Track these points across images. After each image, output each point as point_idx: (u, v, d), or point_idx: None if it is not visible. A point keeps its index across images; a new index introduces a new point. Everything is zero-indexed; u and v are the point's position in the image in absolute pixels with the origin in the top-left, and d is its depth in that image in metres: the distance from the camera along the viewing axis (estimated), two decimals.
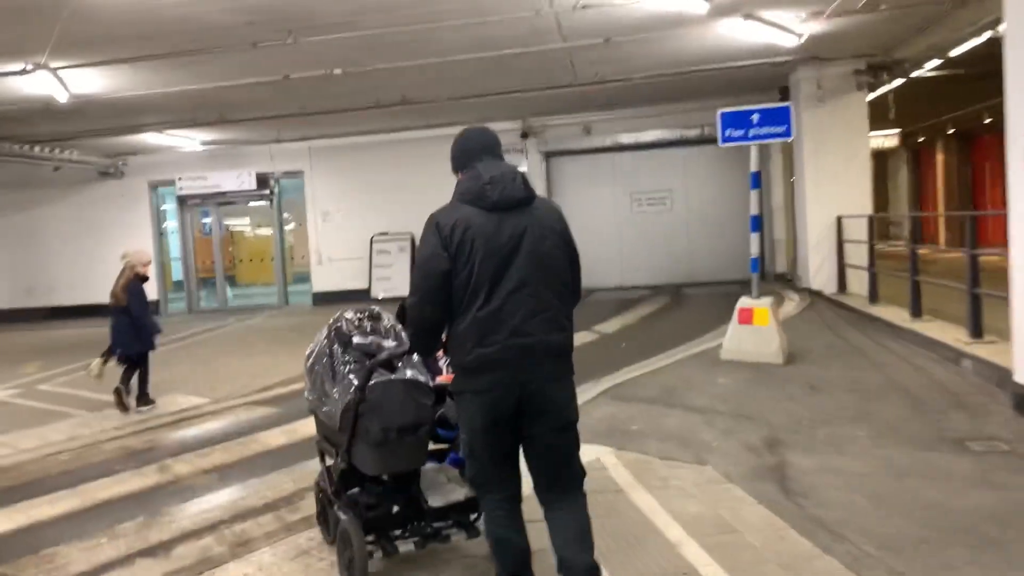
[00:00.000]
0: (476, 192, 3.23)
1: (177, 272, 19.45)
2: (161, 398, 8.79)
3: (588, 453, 5.75)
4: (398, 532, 3.92)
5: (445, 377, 3.99)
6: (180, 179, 17.93)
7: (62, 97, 11.01)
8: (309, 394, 4.10)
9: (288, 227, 18.87)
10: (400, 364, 3.77)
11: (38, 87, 10.74)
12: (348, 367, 3.75)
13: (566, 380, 3.31)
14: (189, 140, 16.94)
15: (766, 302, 8.32)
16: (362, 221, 17.69)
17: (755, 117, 8.19)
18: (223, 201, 18.71)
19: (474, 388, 3.20)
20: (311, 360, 4.05)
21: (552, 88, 13.73)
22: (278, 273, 18.62)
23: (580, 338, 11.07)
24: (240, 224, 19.53)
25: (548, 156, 17.32)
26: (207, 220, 19.88)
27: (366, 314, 4.00)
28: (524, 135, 17.20)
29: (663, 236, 17.29)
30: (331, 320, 4.03)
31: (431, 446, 4.04)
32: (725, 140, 8.33)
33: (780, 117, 8.15)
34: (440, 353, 3.93)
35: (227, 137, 17.23)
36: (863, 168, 13.92)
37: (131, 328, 8.19)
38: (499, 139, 3.55)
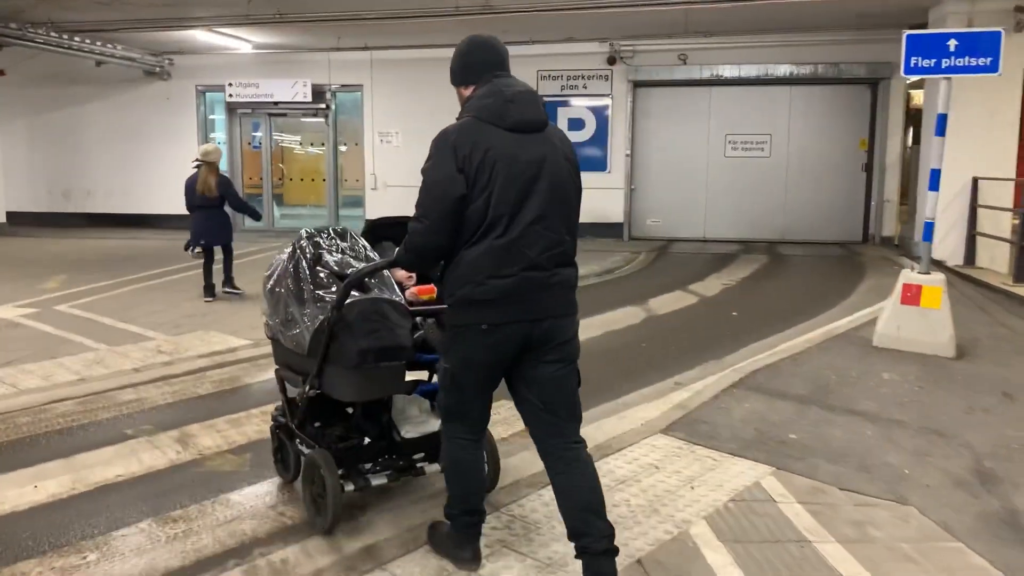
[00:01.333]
0: (498, 110, 2.96)
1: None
2: (191, 335, 7.47)
3: (741, 472, 4.31)
4: (369, 465, 3.71)
5: (421, 289, 3.69)
6: (230, 84, 16.44)
7: None
8: (269, 318, 3.81)
9: (342, 147, 17.36)
10: (373, 283, 3.47)
11: None
12: (317, 287, 3.47)
13: (574, 316, 3.10)
14: (241, 42, 15.39)
15: (939, 279, 6.64)
16: (423, 146, 15.97)
17: (952, 43, 6.43)
18: (275, 112, 17.19)
19: (482, 320, 2.94)
20: (271, 282, 3.75)
21: (651, 5, 11.88)
22: (330, 195, 17.16)
23: (678, 300, 9.57)
24: (291, 139, 18.03)
25: (636, 86, 15.47)
26: (257, 134, 18.45)
27: (333, 232, 3.71)
28: (611, 60, 15.35)
29: (757, 186, 15.47)
30: (296, 238, 3.68)
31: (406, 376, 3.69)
32: (910, 70, 6.59)
33: (986, 45, 6.37)
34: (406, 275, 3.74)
35: (282, 41, 15.65)
36: (1010, 125, 11.93)
37: (218, 219, 9.04)
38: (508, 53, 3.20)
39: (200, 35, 14.43)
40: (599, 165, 15.69)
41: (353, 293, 3.37)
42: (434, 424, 3.79)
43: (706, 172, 15.65)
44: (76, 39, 14.22)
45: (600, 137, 15.65)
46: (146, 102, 17.12)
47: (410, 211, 13.59)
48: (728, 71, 15.00)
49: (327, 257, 3.52)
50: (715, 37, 14.65)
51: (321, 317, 3.38)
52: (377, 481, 3.66)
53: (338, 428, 3.77)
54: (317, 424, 3.81)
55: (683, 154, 15.63)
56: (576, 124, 15.68)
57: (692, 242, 15.32)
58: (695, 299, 9.60)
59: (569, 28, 14.37)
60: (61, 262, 12.24)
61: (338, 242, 3.65)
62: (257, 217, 9.60)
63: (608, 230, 15.67)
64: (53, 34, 13.55)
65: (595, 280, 10.90)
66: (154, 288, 10.05)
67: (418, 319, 3.78)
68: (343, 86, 16.62)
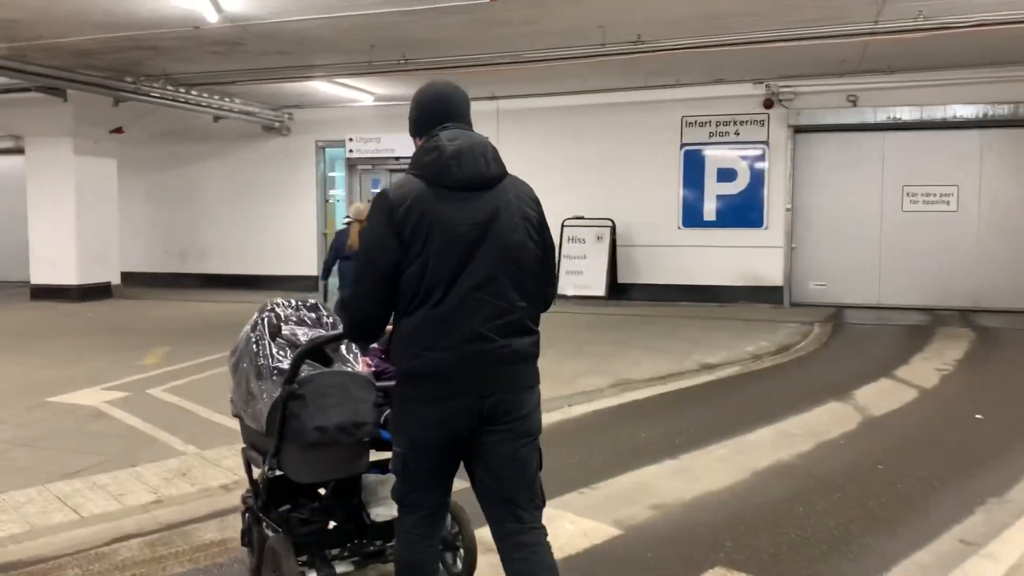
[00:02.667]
0: (437, 166, 2.65)
1: None
2: None
3: None
4: (335, 551, 3.44)
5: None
6: (351, 139, 15.53)
7: (212, 16, 8.62)
8: (234, 395, 3.56)
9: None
10: (337, 356, 3.37)
11: (184, 1, 8.31)
12: (276, 361, 3.28)
13: (532, 389, 2.80)
14: (362, 93, 14.45)
15: None
16: (552, 201, 14.51)
17: None
18: (396, 168, 16.17)
19: (422, 396, 2.67)
20: (235, 356, 3.51)
21: (830, 37, 10.13)
22: None
23: (891, 393, 7.52)
24: None
25: (796, 131, 13.64)
26: (377, 191, 17.50)
27: (302, 304, 3.58)
28: (767, 103, 13.61)
29: (942, 244, 13.25)
30: (259, 309, 3.50)
31: (374, 455, 3.43)
32: None
33: None
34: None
35: (404, 92, 14.56)
36: None
37: None
38: (467, 99, 2.89)
39: (320, 87, 13.56)
40: (753, 221, 13.86)
41: (312, 366, 3.27)
42: None
43: (880, 228, 13.56)
44: (193, 93, 13.57)
45: (754, 189, 13.84)
46: (264, 158, 16.43)
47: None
48: (906, 113, 13.00)
49: (287, 329, 3.41)
50: (891, 75, 12.74)
51: (276, 393, 3.17)
52: (342, 568, 3.43)
53: (305, 511, 3.49)
54: (285, 507, 3.50)
55: (853, 208, 13.62)
56: (726, 175, 13.95)
57: (865, 309, 13.21)
58: (913, 392, 7.61)
59: (720, 67, 12.77)
60: (166, 331, 11.28)
61: (304, 313, 3.55)
62: None
63: (764, 295, 13.76)
64: (169, 88, 12.90)
65: (771, 361, 9.05)
66: None
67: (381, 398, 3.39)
68: None
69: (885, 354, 9.40)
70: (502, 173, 2.76)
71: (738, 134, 13.85)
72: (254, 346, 3.38)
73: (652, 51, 10.73)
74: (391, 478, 3.31)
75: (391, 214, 2.62)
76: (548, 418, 6.68)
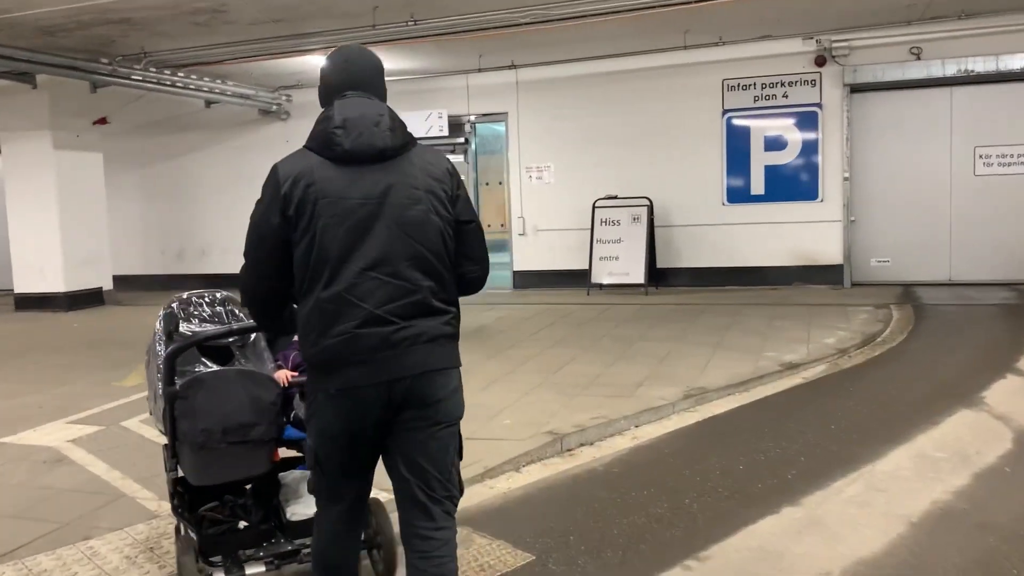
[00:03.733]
0: (325, 138, 2.49)
1: None
2: None
3: None
4: (251, 551, 3.29)
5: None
6: None
7: None
8: (148, 395, 3.62)
9: (484, 185, 14.80)
10: (246, 353, 3.41)
11: None
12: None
13: (447, 373, 2.57)
14: None
15: None
16: (581, 180, 13.29)
17: None
18: None
19: (325, 388, 2.49)
20: (148, 356, 3.53)
21: None
22: None
23: (1016, 390, 6.14)
24: None
25: (852, 91, 12.17)
26: None
27: (210, 298, 3.54)
28: (819, 60, 12.14)
29: (1020, 212, 11.80)
30: (165, 304, 3.53)
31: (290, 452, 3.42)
32: None
33: None
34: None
35: (413, 66, 13.25)
36: None
37: None
38: (375, 66, 2.66)
39: (320, 62, 12.15)
40: (807, 193, 12.43)
41: (205, 365, 3.27)
42: None
43: (949, 197, 12.09)
44: (180, 75, 12.24)
45: (807, 158, 12.40)
46: (263, 146, 15.03)
47: (568, 261, 12.82)
48: (979, 64, 11.51)
49: (185, 327, 3.34)
50: (963, 22, 11.25)
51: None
52: (253, 570, 3.20)
53: (219, 511, 3.37)
54: (210, 505, 3.39)
55: (917, 175, 12.16)
56: (775, 143, 12.51)
57: (936, 287, 11.78)
58: None
59: (766, 22, 11.33)
60: None
61: (208, 309, 3.44)
62: None
63: (821, 274, 12.35)
64: (152, 70, 11.56)
65: (860, 356, 7.67)
66: None
67: (294, 391, 3.29)
68: (484, 115, 14.05)
69: (990, 340, 8.04)
70: (401, 144, 2.54)
71: (787, 97, 12.40)
72: (157, 345, 3.35)
73: (694, 1, 9.31)
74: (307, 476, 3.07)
75: (277, 188, 2.48)
76: (614, 445, 5.43)
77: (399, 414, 2.52)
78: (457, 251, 2.63)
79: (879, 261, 12.51)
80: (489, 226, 15.05)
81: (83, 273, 13.40)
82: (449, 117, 13.72)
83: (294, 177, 2.46)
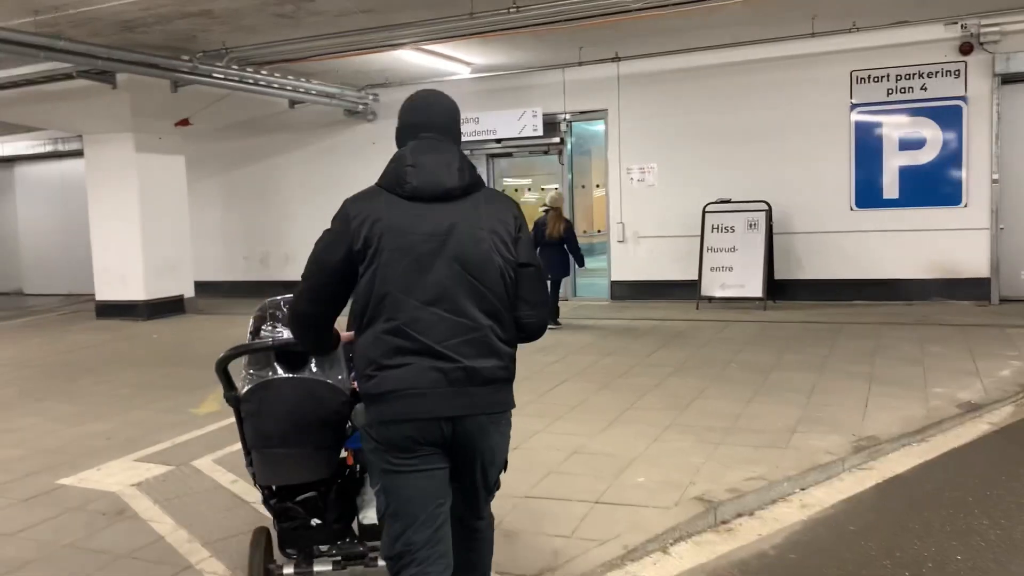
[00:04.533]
0: (396, 176, 2.55)
1: None
2: None
3: None
4: (325, 548, 3.40)
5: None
6: None
7: None
8: None
9: (580, 188, 13.81)
10: (321, 361, 3.25)
11: None
12: (248, 364, 3.32)
13: (500, 417, 2.62)
14: (458, 64, 12.24)
15: None
16: (689, 182, 12.17)
17: None
18: (497, 152, 13.96)
19: (385, 417, 2.50)
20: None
21: None
22: None
23: None
24: (516, 183, 14.75)
25: (1003, 81, 10.75)
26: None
27: (282, 303, 3.40)
28: (965, 48, 10.76)
29: None
30: (258, 306, 3.52)
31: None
32: None
33: None
34: None
35: (506, 61, 12.37)
36: None
37: (560, 256, 10.49)
38: (452, 111, 2.73)
39: (409, 58, 11.39)
40: (949, 197, 11.04)
41: (275, 371, 3.25)
42: None
43: None
44: (263, 73, 11.61)
45: (949, 158, 11.01)
46: (350, 148, 14.41)
47: (674, 271, 12.35)
48: None
49: (267, 330, 3.35)
50: None
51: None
52: (320, 567, 3.36)
53: (298, 507, 3.37)
54: (305, 496, 3.38)
55: None
56: (911, 141, 11.16)
57: None
58: None
59: (903, 5, 10.05)
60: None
61: (279, 312, 3.38)
62: (582, 264, 11.13)
63: (964, 289, 10.96)
64: (234, 67, 10.94)
65: None
66: None
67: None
68: (581, 113, 13.06)
69: None
70: (469, 184, 2.58)
71: (925, 89, 11.03)
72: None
73: None
74: None
75: (347, 223, 2.52)
76: (780, 516, 4.36)
77: (450, 453, 2.56)
78: (515, 294, 2.61)
79: None
80: (585, 232, 14.13)
81: (164, 280, 12.96)
82: (544, 116, 12.79)
83: (363, 215, 2.50)
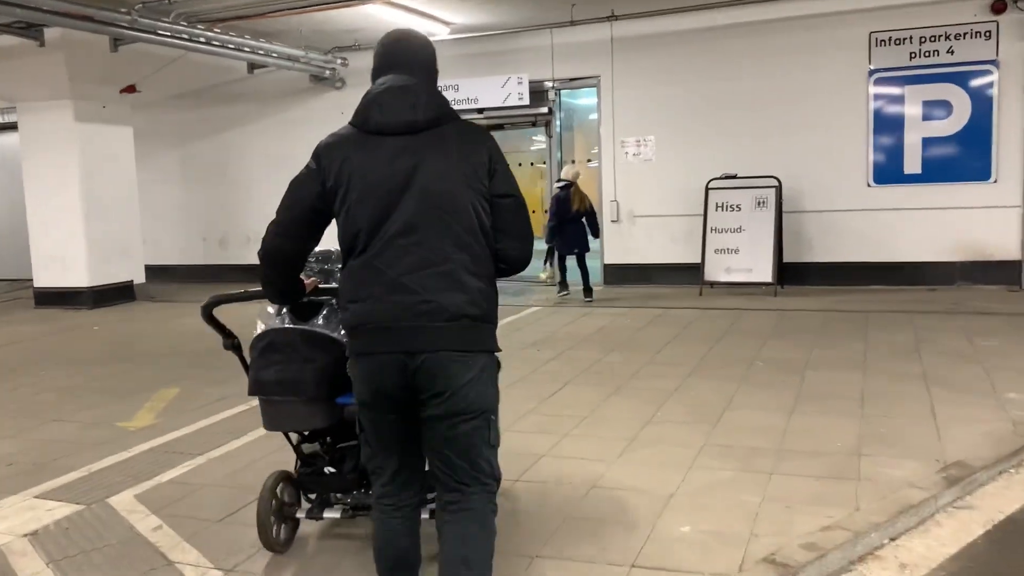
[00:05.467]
0: (361, 112, 2.59)
1: None
2: None
3: None
4: (340, 496, 3.53)
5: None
6: None
7: None
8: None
9: (569, 163, 12.66)
10: (323, 313, 3.32)
11: None
12: (261, 314, 3.48)
13: (472, 356, 2.51)
14: (435, 24, 11.03)
15: None
16: (689, 156, 11.10)
17: None
18: (480, 122, 12.74)
19: (354, 350, 2.57)
20: None
21: None
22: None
23: None
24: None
25: None
26: None
27: (322, 254, 3.42)
28: (996, 7, 9.75)
29: None
30: None
31: None
32: None
33: None
34: None
35: (489, 20, 11.19)
36: None
37: (582, 232, 10.39)
38: (417, 45, 2.72)
39: (381, 14, 10.15)
40: (977, 172, 10.05)
41: (285, 317, 3.36)
42: None
43: None
44: (216, 31, 10.33)
45: (978, 129, 10.01)
46: (317, 119, 13.09)
47: (675, 253, 11.19)
48: None
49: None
50: None
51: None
52: (331, 514, 3.50)
53: (318, 454, 3.51)
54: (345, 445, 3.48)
55: None
56: (936, 110, 10.15)
57: None
58: None
59: None
60: (190, 352, 8.15)
61: (317, 266, 3.42)
62: (598, 235, 10.87)
63: (991, 273, 10.02)
64: (182, 24, 9.64)
65: None
66: None
67: None
68: (571, 80, 11.91)
69: None
70: (436, 117, 2.56)
71: (952, 52, 10.00)
72: None
73: None
74: None
75: (319, 160, 2.58)
76: None
77: (418, 395, 2.49)
78: (494, 226, 2.58)
79: None
80: (576, 211, 13.00)
81: (111, 265, 11.71)
82: (530, 83, 11.63)
83: (333, 154, 2.55)
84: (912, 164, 10.29)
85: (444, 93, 9.79)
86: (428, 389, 2.47)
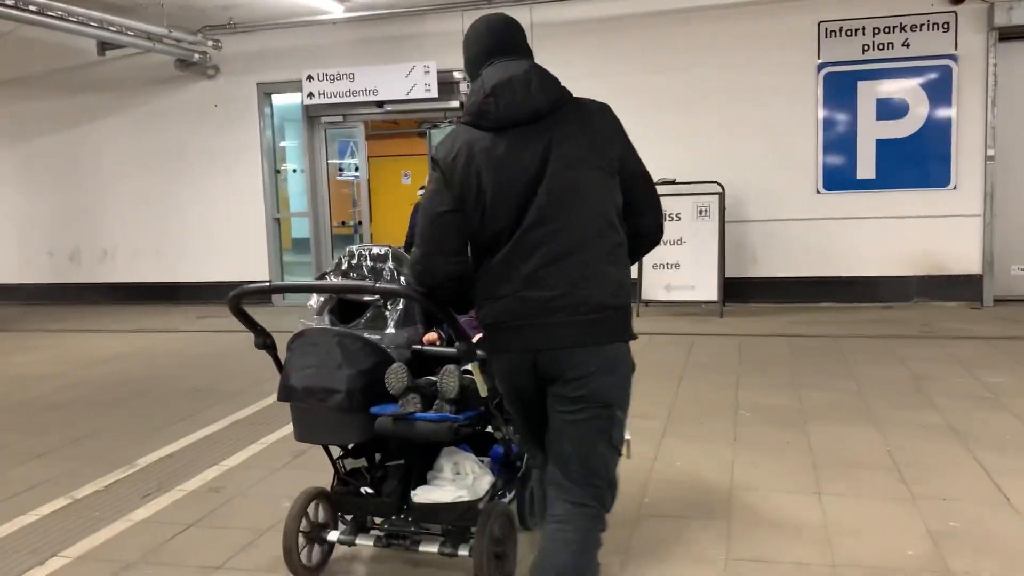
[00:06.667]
0: (477, 108, 2.42)
1: (300, 229, 12.16)
2: None
3: None
4: (379, 521, 3.16)
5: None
6: (310, 78, 10.44)
7: None
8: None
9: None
10: (380, 311, 3.18)
11: None
12: (304, 313, 3.38)
13: (600, 347, 2.37)
14: (328, 0, 9.39)
15: None
16: None
17: None
18: (382, 119, 11.20)
19: (491, 348, 2.52)
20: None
21: None
22: None
23: None
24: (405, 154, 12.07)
25: (1001, 37, 8.92)
26: (353, 161, 12.57)
27: (379, 252, 3.30)
28: None
29: None
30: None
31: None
32: None
33: None
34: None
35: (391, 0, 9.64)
36: None
37: None
38: (516, 28, 2.61)
39: None
40: (935, 178, 9.17)
41: (324, 320, 3.21)
42: (458, 493, 2.96)
43: None
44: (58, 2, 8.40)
45: (936, 130, 9.11)
46: (187, 112, 11.24)
47: None
48: None
49: (331, 277, 3.33)
50: None
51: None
52: (362, 541, 3.14)
53: (359, 471, 3.18)
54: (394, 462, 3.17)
55: None
56: (891, 109, 9.20)
57: None
58: None
59: None
60: (21, 409, 6.26)
61: (370, 263, 3.28)
62: None
63: (950, 288, 9.15)
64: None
65: None
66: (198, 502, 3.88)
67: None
68: None
69: None
70: (555, 100, 2.43)
71: (907, 45, 9.07)
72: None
73: None
74: (468, 457, 3.12)
75: (442, 172, 2.44)
76: None
77: (549, 386, 2.43)
78: (627, 206, 2.48)
79: (1022, 269, 9.34)
80: None
81: None
82: (439, 73, 10.14)
83: (454, 156, 2.41)
84: (865, 168, 9.30)
85: (336, 82, 8.47)
86: (557, 377, 2.40)
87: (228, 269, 11.19)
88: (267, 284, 2.96)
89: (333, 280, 3.29)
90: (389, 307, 3.19)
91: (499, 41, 2.51)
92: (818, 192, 9.46)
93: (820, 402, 5.52)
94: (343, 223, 12.90)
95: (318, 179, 11.32)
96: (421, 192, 9.65)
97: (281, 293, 2.79)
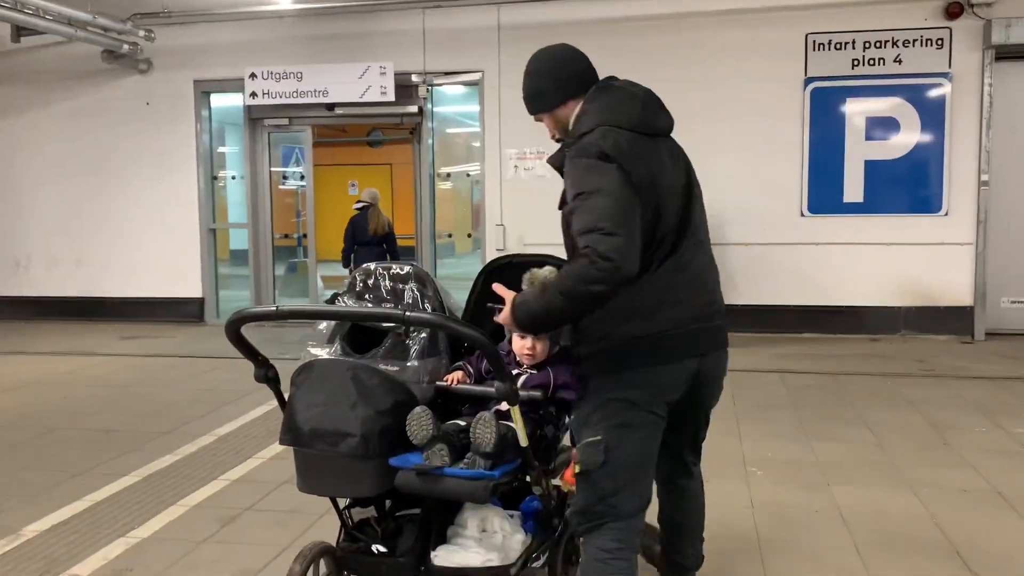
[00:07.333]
0: (629, 112, 2.44)
1: (239, 241, 11.17)
2: None
3: None
4: None
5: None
6: (253, 76, 9.50)
7: None
8: None
9: (444, 182, 10.38)
10: (400, 339, 2.72)
11: None
12: (309, 339, 2.95)
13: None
14: None
15: None
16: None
17: None
18: (330, 122, 10.31)
19: (654, 362, 2.37)
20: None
21: None
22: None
23: None
24: (358, 165, 11.17)
25: (998, 56, 8.43)
26: (297, 169, 11.68)
27: (400, 271, 2.89)
28: (951, 11, 8.37)
29: None
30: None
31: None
32: None
33: None
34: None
35: None
36: None
37: (383, 256, 9.61)
38: None
39: None
40: (926, 203, 8.64)
41: (323, 351, 2.73)
42: (488, 556, 2.56)
43: None
44: None
45: (927, 153, 8.58)
46: (115, 109, 10.19)
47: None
48: None
49: (344, 299, 2.90)
50: None
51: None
52: None
53: (369, 524, 2.74)
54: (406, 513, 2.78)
55: None
56: (881, 128, 8.65)
57: None
58: None
59: None
60: None
61: (389, 283, 2.87)
62: (397, 259, 9.23)
63: (939, 320, 8.61)
64: None
65: None
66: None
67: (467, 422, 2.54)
68: (447, 74, 9.63)
69: None
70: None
71: (900, 61, 8.53)
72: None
73: None
74: (498, 512, 2.71)
75: (620, 165, 2.29)
76: None
77: (698, 388, 2.51)
78: None
79: (1013, 302, 8.85)
80: (451, 236, 10.85)
81: None
82: (396, 76, 9.31)
83: (626, 152, 2.33)
84: (853, 191, 8.72)
85: (283, 82, 7.51)
86: (715, 378, 2.55)
87: (157, 283, 10.20)
88: (273, 309, 2.55)
89: (352, 305, 2.83)
90: (411, 335, 2.84)
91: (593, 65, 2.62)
92: (803, 215, 8.86)
93: (836, 456, 4.81)
94: (285, 235, 11.96)
95: (259, 187, 10.35)
96: (356, 207, 9.12)
97: (289, 319, 2.29)
